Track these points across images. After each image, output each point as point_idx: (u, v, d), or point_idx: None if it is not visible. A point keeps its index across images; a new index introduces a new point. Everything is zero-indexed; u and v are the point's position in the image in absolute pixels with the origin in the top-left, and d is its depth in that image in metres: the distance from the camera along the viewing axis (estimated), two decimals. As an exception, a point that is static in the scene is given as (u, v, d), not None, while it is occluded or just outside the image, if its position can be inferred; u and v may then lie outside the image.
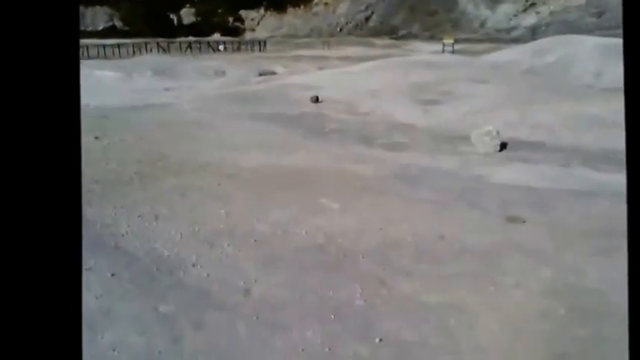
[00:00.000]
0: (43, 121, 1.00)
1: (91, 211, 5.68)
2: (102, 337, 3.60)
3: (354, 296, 4.32)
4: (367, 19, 60.72)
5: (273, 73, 24.98)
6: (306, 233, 5.50)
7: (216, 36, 57.93)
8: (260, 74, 24.28)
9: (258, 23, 69.03)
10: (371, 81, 16.55)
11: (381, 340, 3.77)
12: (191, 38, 47.88)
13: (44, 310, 0.96)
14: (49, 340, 0.96)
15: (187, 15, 67.84)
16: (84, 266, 4.48)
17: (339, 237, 5.41)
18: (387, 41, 48.02)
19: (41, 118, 0.99)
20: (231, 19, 68.80)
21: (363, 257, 5.01)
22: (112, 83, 20.43)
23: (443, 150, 9.63)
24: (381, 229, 5.63)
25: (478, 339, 3.79)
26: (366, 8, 60.97)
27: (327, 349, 3.66)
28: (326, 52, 37.94)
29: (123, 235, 5.23)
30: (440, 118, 12.46)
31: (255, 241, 5.30)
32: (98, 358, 3.40)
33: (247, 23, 69.20)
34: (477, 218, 6.03)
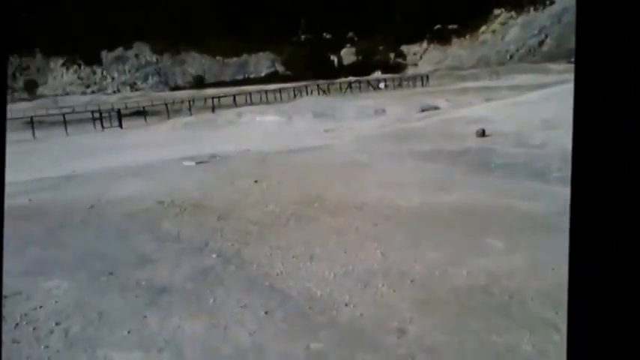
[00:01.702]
0: None
1: (247, 252, 6.17)
2: (254, 373, 3.84)
3: (521, 341, 4.16)
4: (541, 43, 58.25)
5: (436, 108, 24.99)
6: (467, 273, 5.38)
7: (377, 74, 59.69)
8: (422, 110, 24.44)
9: (421, 57, 69.78)
10: (545, 110, 15.79)
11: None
12: (351, 78, 49.99)
13: None
14: None
15: (348, 55, 71.03)
16: (238, 304, 4.86)
17: (505, 278, 5.21)
18: (564, 65, 45.42)
19: None
20: (392, 56, 70.48)
21: (532, 300, 4.77)
22: (272, 128, 22.00)
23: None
24: (553, 269, 5.33)
25: None
26: (539, 32, 58.62)
27: None
28: (494, 83, 37.05)
29: (277, 275, 5.56)
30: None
31: (411, 281, 5.31)
32: (251, 393, 3.62)
33: (409, 58, 70.30)
34: None
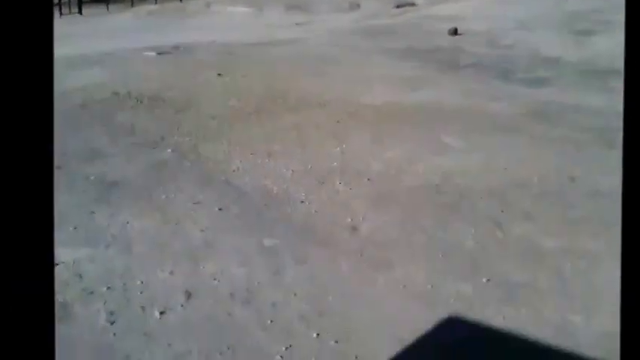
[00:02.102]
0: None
1: (204, 147, 6.05)
2: (203, 267, 3.85)
3: (466, 237, 4.31)
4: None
5: (412, 5, 24.15)
6: (422, 172, 5.38)
7: (354, -34, 57.17)
8: (397, 6, 23.61)
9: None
10: (520, 10, 15.41)
11: (488, 280, 3.77)
12: (327, -30, 47.74)
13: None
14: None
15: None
16: (192, 200, 4.79)
17: (459, 177, 5.26)
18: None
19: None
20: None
21: (481, 198, 4.86)
22: (242, 19, 21.14)
23: (589, 84, 8.92)
24: (505, 169, 5.44)
25: (592, 284, 3.74)
26: None
27: (429, 286, 3.72)
28: (474, -21, 35.77)
29: (234, 171, 5.48)
30: (591, 51, 11.38)
31: (368, 179, 5.30)
32: (199, 286, 3.64)
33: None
34: (615, 160, 5.54)
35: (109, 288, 3.58)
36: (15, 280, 0.94)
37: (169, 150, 5.96)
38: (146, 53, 11.68)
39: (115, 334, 3.19)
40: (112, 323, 3.26)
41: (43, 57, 1.02)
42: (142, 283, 3.66)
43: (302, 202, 4.90)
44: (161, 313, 3.39)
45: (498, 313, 3.47)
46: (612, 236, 4.26)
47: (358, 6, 24.36)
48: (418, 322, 3.36)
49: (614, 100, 7.91)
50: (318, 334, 3.23)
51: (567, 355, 3.12)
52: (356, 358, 3.05)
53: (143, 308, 3.42)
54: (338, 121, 7.02)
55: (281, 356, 3.06)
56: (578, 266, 3.94)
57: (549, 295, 3.64)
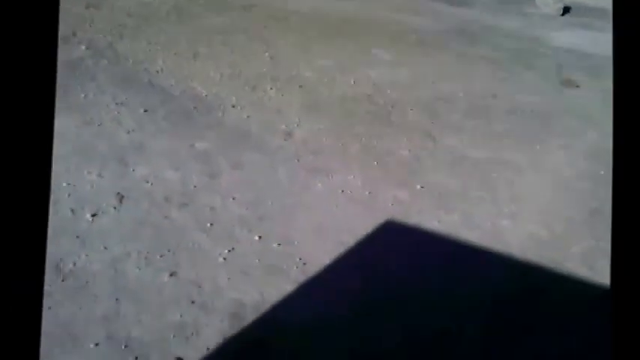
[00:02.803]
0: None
1: (122, 46, 5.67)
2: (134, 170, 3.69)
3: (399, 146, 4.43)
4: None
5: None
6: (354, 82, 5.36)
7: None
8: None
9: None
10: None
11: (422, 187, 3.94)
12: None
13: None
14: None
15: None
16: (114, 101, 4.51)
17: (389, 88, 5.29)
18: None
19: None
20: None
21: (411, 110, 4.96)
22: None
23: (506, 8, 9.30)
24: (433, 83, 5.58)
25: (517, 192, 4.04)
26: None
27: (367, 193, 3.82)
28: None
29: (158, 72, 5.19)
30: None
31: (300, 86, 5.20)
32: (131, 189, 3.49)
33: None
34: (532, 79, 6.09)
35: (33, 189, 3.34)
36: (5, 279, 0.88)
37: (83, 47, 5.51)
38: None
39: (45, 236, 3.02)
40: (42, 225, 3.08)
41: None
42: (69, 184, 3.46)
43: (233, 106, 4.75)
44: (93, 215, 3.24)
45: (433, 217, 3.63)
46: (531, 148, 4.58)
47: None
48: (358, 227, 3.44)
49: (528, 25, 8.30)
50: (260, 237, 3.23)
51: (497, 255, 3.34)
52: (300, 259, 3.09)
53: (73, 211, 3.24)
54: (265, 26, 6.76)
55: (224, 258, 3.04)
56: (503, 175, 4.17)
57: (479, 202, 3.86)
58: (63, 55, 5.30)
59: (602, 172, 4.31)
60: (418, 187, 3.91)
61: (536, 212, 3.82)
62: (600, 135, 4.88)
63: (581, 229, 3.71)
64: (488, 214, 3.73)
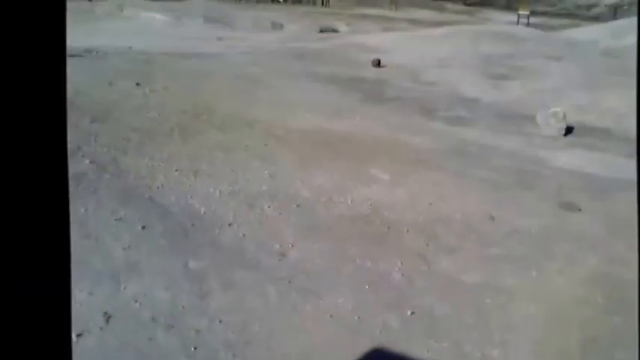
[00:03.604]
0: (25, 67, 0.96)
1: (125, 161, 5.88)
2: (125, 288, 3.74)
3: (393, 269, 4.51)
4: (441, -20, 58.94)
5: (335, 31, 24.78)
6: (351, 202, 5.52)
7: (277, -14, 57.73)
8: (321, 31, 24.12)
9: (324, -25, 68.24)
10: (439, 48, 16.29)
11: (412, 313, 3.97)
12: (249, -14, 47.96)
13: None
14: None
15: (247, -40, 67.91)
16: (113, 216, 4.63)
17: (386, 209, 5.44)
18: (459, 7, 46.81)
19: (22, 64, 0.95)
20: (294, -32, 68.28)
21: (407, 231, 5.07)
22: (159, 27, 20.77)
23: (506, 128, 9.70)
24: (430, 204, 5.72)
25: (510, 319, 4.03)
26: (441, -34, 59.12)
27: (356, 317, 3.86)
28: (393, 13, 37.24)
29: (158, 188, 5.36)
30: (507, 95, 12.32)
31: (297, 205, 5.35)
32: (119, 309, 3.53)
33: (312, -26, 68.50)
34: (532, 202, 6.19)
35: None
36: (31, 280, 0.94)
37: (87, 161, 5.73)
38: (57, 54, 11.16)
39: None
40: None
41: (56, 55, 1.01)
42: (61, 302, 3.48)
43: (230, 224, 4.88)
44: (78, 335, 3.25)
45: (422, 346, 3.63)
46: (528, 274, 4.63)
47: (282, 26, 24.66)
48: (344, 353, 3.44)
49: (529, 145, 8.58)
50: (246, 363, 3.22)
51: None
52: (286, 388, 3.07)
53: (62, 330, 3.25)
54: (266, 144, 7.05)
55: (209, 385, 3.02)
56: (497, 301, 4.21)
57: (470, 329, 3.88)
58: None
59: (601, 301, 4.32)
60: (409, 312, 3.95)
61: (529, 342, 3.82)
62: (600, 261, 4.91)
63: (576, 362, 3.69)
64: (478, 342, 3.74)
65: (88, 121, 7.09)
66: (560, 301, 4.35)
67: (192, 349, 3.29)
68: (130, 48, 13.90)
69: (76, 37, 15.60)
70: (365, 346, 3.54)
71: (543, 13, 40.39)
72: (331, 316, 3.81)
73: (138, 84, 9.42)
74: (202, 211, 5.04)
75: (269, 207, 5.28)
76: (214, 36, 19.78)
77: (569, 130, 9.41)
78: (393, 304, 4.03)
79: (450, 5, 46.44)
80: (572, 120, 9.62)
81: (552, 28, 28.53)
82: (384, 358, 3.48)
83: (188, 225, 4.77)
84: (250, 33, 22.12)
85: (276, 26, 24.51)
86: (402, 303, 4.05)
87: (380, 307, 3.98)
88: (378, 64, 14.31)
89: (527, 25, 29.65)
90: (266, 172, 6.10)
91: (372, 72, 13.75)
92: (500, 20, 34.02)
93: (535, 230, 5.40)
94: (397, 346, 3.60)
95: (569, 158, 7.99)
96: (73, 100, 7.88)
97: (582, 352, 3.79)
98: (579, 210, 5.94)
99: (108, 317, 3.46)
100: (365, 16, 32.63)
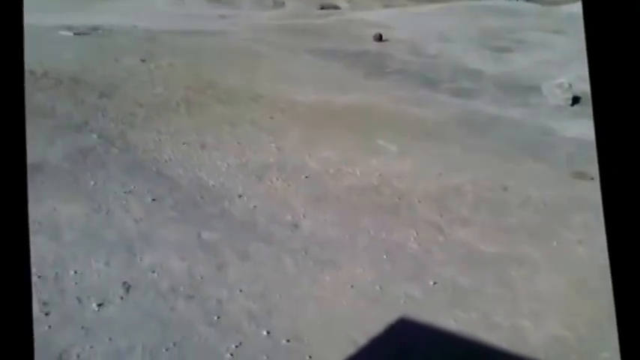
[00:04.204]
0: None
1: (132, 135, 5.79)
2: (141, 260, 3.67)
3: (408, 239, 4.37)
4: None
5: (336, 8, 24.47)
6: (360, 174, 5.43)
7: (276, -36, 56.96)
8: (321, 7, 23.81)
9: (322, -47, 67.28)
10: (440, 23, 16.08)
11: (435, 283, 3.85)
12: (248, -35, 47.33)
13: None
14: None
15: (246, -61, 66.88)
16: (123, 189, 4.55)
17: (395, 180, 5.35)
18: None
19: None
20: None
21: (419, 202, 4.97)
22: (162, 6, 20.49)
23: (511, 99, 9.52)
24: (440, 175, 5.62)
25: (536, 290, 3.90)
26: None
27: (377, 287, 3.75)
28: (393, -11, 36.74)
29: (166, 162, 5.28)
30: (510, 67, 12.12)
31: (306, 177, 5.27)
32: (138, 279, 3.46)
33: (310, -48, 67.50)
34: (543, 172, 6.08)
35: (39, 277, 3.31)
36: None
37: (95, 135, 5.64)
38: (62, 32, 11.01)
39: (50, 326, 2.96)
40: (47, 314, 3.03)
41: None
42: (76, 273, 3.43)
43: (240, 196, 4.80)
44: (99, 305, 3.19)
45: (449, 316, 3.53)
46: (548, 244, 4.50)
47: (283, 4, 24.34)
48: (369, 324, 3.35)
49: (534, 115, 8.44)
50: (268, 332, 3.17)
51: (521, 359, 3.21)
52: (309, 358, 3.01)
53: (79, 299, 3.20)
54: (271, 117, 6.95)
55: (231, 354, 2.97)
56: (520, 272, 4.09)
57: (497, 300, 3.75)
58: (75, 143, 5.42)
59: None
60: (431, 282, 3.84)
61: (559, 312, 3.68)
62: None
63: (609, 333, 3.53)
64: (507, 313, 3.61)
65: (95, 96, 6.97)
66: (585, 271, 4.17)
67: (215, 318, 3.22)
68: (135, 26, 13.70)
69: (82, 15, 15.46)
70: (390, 316, 3.44)
71: (545, -13, 39.96)
72: (352, 286, 3.70)
73: (143, 60, 9.28)
74: (211, 184, 4.95)
75: (277, 179, 5.19)
76: (217, 14, 19.53)
77: (575, 100, 9.25)
78: (414, 275, 3.91)
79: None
80: (577, 90, 9.45)
81: (553, 2, 28.09)
82: (410, 328, 3.40)
83: (197, 197, 4.68)
84: (252, 10, 21.85)
85: (278, 4, 24.19)
86: (422, 273, 3.94)
87: (400, 277, 3.86)
88: (379, 38, 14.11)
89: (527, 0, 29.27)
90: (273, 144, 6.00)
91: (374, 46, 13.56)
92: (502, -5, 33.59)
93: (549, 199, 5.28)
94: (422, 316, 3.49)
95: (578, 128, 7.84)
96: (80, 76, 7.77)
97: (611, 322, 3.70)
98: (592, 179, 5.83)
99: (127, 287, 3.39)
100: (365, -7, 32.24)
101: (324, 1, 25.41)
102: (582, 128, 7.79)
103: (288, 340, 3.11)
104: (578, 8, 21.64)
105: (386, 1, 27.24)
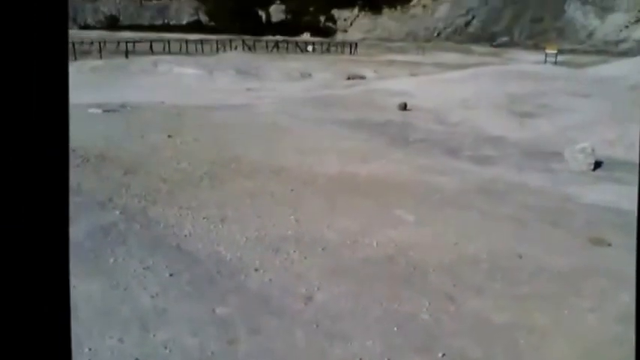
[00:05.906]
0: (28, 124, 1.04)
1: (154, 211, 6.01)
2: (154, 335, 3.78)
3: (420, 310, 4.41)
4: (467, 24, 59.75)
5: (362, 78, 25.20)
6: (376, 244, 5.51)
7: (306, 36, 59.16)
8: (348, 78, 24.55)
9: (351, 24, 69.71)
10: (464, 90, 16.38)
11: (444, 354, 3.85)
12: (279, 37, 49.30)
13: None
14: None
15: (277, 12, 69.67)
16: (142, 265, 4.72)
17: (411, 250, 5.42)
18: (486, 49, 47.22)
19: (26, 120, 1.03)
20: (322, 19, 69.83)
21: (433, 271, 5.02)
22: (191, 81, 21.40)
23: (533, 165, 9.55)
24: (456, 244, 5.65)
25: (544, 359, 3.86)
26: (467, 12, 59.98)
27: None
28: (420, 58, 37.70)
29: (186, 236, 5.46)
30: (533, 132, 12.24)
31: (322, 249, 5.37)
32: (149, 356, 3.56)
33: (339, 23, 70.03)
34: (560, 239, 6.06)
35: (53, 355, 3.44)
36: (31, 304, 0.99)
37: (117, 212, 5.89)
38: (91, 110, 11.62)
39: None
40: (58, 393, 3.13)
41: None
42: (90, 350, 3.55)
43: (256, 270, 4.92)
44: (110, 382, 3.29)
45: (456, 389, 3.54)
46: (559, 312, 4.48)
47: (310, 75, 25.17)
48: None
49: (555, 181, 8.46)
50: (274, 408, 3.20)
51: None
52: None
53: (90, 378, 3.31)
54: (292, 189, 7.14)
55: None
56: (529, 341, 4.08)
57: (504, 372, 3.75)
58: (98, 219, 5.68)
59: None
60: (439, 354, 3.85)
61: None
62: (633, 297, 4.74)
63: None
64: None
65: (121, 173, 7.31)
66: (594, 340, 4.17)
67: (222, 394, 3.29)
68: (163, 102, 14.36)
69: (111, 92, 16.33)
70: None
71: (571, 51, 40.52)
72: (360, 359, 3.77)
73: (169, 136, 9.71)
74: (228, 258, 5.09)
75: (294, 251, 5.31)
76: (244, 87, 20.30)
77: (597, 165, 9.26)
78: (423, 347, 3.92)
79: (476, 48, 46.88)
80: (600, 155, 9.49)
81: (580, 65, 28.40)
82: None
83: (214, 272, 4.82)
84: (279, 83, 22.63)
85: (305, 75, 25.04)
86: (432, 344, 3.95)
87: (410, 349, 3.89)
88: (404, 107, 14.46)
89: (555, 63, 29.69)
90: (292, 216, 6.16)
91: (399, 115, 13.88)
92: (528, 60, 34.11)
93: (564, 268, 5.25)
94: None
95: (598, 193, 7.84)
96: (106, 153, 8.17)
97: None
98: (609, 245, 5.80)
99: (138, 365, 3.50)
100: (392, 62, 33.11)
101: (350, 71, 26.21)
102: (603, 194, 7.78)
103: (293, 417, 3.14)
104: (605, 70, 21.77)
105: (412, 69, 27.94)
